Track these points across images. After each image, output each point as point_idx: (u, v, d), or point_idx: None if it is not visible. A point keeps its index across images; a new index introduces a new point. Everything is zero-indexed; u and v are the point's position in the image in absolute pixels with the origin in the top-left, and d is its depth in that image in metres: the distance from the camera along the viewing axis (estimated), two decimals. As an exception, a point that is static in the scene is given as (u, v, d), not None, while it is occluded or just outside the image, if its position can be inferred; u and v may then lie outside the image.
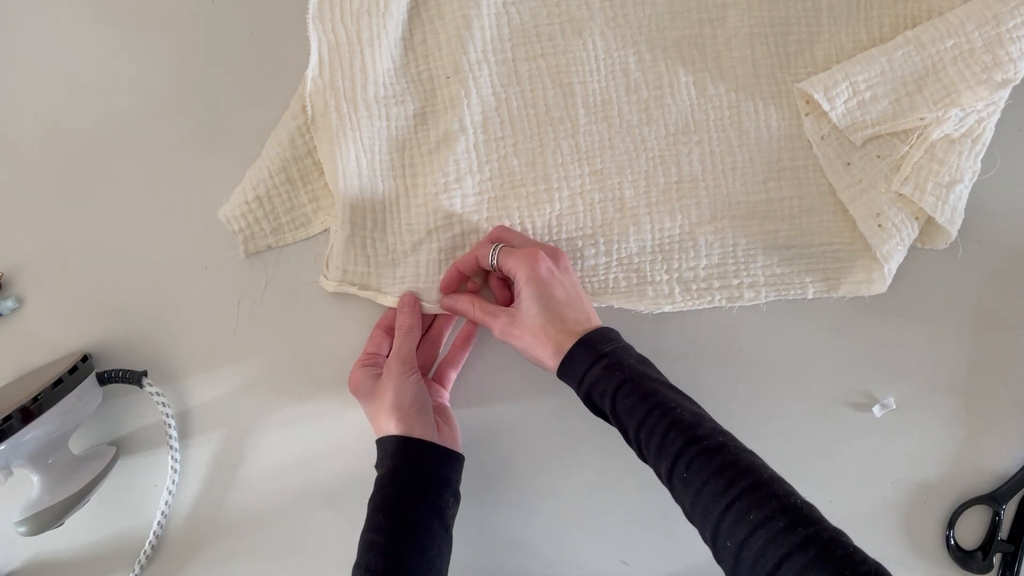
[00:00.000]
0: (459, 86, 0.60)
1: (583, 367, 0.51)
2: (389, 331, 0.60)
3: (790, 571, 0.39)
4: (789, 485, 0.44)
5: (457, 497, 0.55)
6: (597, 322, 0.54)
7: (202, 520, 0.62)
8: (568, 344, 0.52)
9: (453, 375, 0.61)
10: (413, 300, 0.60)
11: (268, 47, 0.62)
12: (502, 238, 0.58)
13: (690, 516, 0.46)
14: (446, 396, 0.61)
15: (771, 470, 0.45)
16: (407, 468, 0.53)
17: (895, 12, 0.62)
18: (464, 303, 0.58)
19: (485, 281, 0.61)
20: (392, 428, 0.54)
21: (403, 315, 0.59)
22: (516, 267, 0.54)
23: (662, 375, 0.52)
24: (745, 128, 0.62)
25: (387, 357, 0.60)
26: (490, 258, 0.56)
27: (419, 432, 0.54)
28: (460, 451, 0.56)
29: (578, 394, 0.53)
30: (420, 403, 0.55)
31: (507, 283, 0.58)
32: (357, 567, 0.51)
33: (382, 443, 0.54)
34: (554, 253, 0.56)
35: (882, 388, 0.63)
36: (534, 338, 0.53)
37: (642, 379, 0.50)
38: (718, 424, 0.48)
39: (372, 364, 0.58)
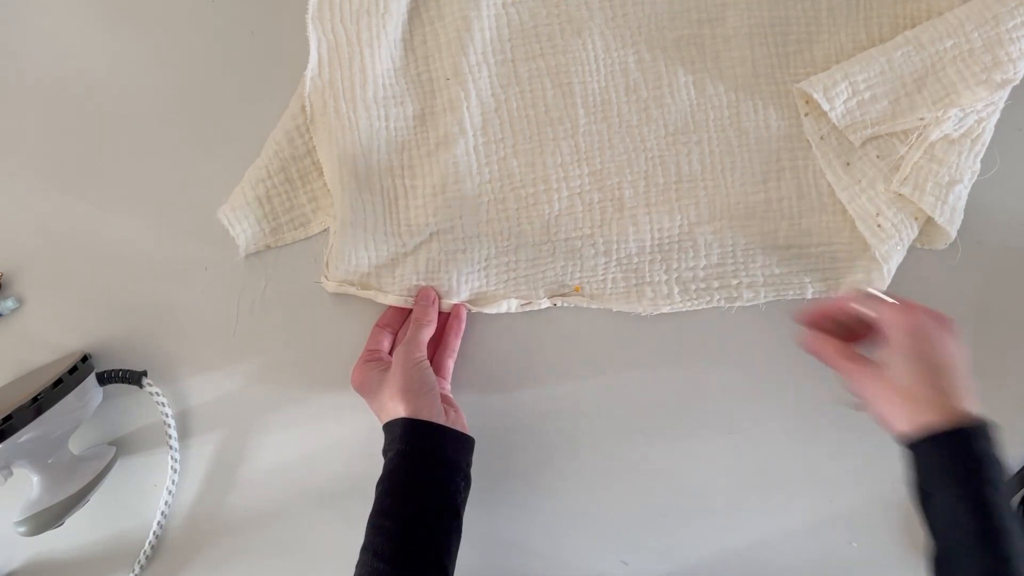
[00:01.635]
0: (459, 88, 0.60)
1: (946, 461, 0.45)
2: (389, 329, 0.60)
3: None
4: None
5: (468, 481, 0.54)
6: (972, 403, 0.46)
7: (202, 520, 0.62)
8: (933, 419, 0.45)
9: (451, 363, 0.61)
10: (432, 295, 0.60)
11: (268, 47, 0.62)
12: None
13: None
14: (447, 387, 0.61)
15: None
16: (415, 450, 0.52)
17: (894, 12, 0.62)
18: (828, 349, 0.52)
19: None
20: (400, 411, 0.53)
21: (420, 308, 0.59)
22: (894, 317, 0.48)
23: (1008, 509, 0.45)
24: (744, 128, 0.62)
25: (389, 354, 0.60)
26: (858, 299, 0.51)
27: (427, 415, 0.53)
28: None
29: (915, 473, 0.47)
30: (428, 386, 0.55)
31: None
32: (364, 550, 0.50)
33: (390, 426, 0.54)
34: (940, 319, 0.49)
35: (882, 388, 0.63)
36: (893, 397, 0.47)
37: (1007, 523, 0.43)
38: None
39: (375, 359, 0.59)
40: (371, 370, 0.57)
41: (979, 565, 0.42)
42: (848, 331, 0.53)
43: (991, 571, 0.42)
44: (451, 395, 0.60)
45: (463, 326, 0.61)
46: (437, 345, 0.61)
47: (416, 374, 0.55)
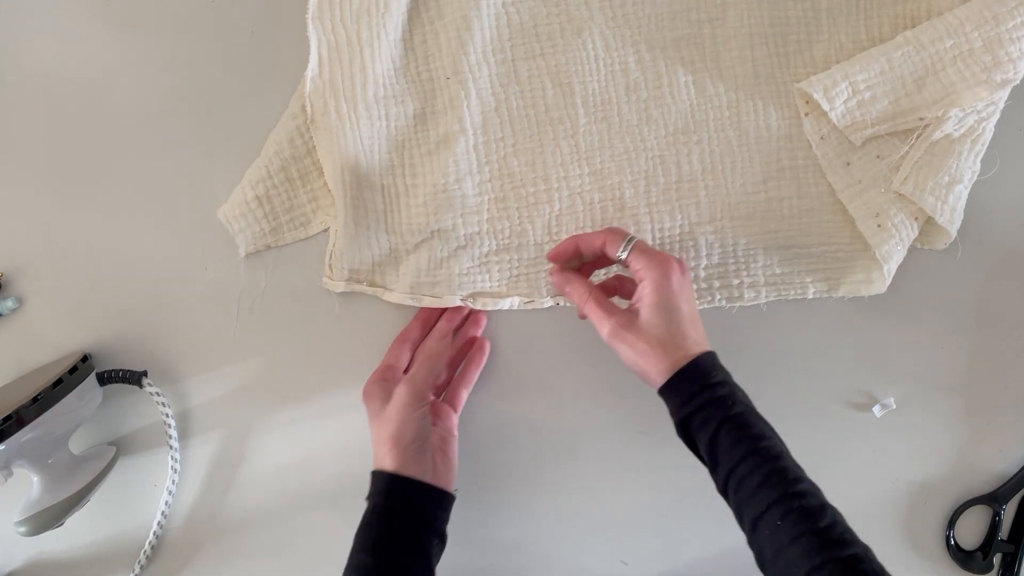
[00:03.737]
0: (459, 87, 0.60)
1: (692, 389, 0.49)
2: (410, 343, 0.60)
3: None
4: (880, 564, 0.44)
5: (443, 539, 0.54)
6: (708, 346, 0.52)
7: (202, 520, 0.62)
8: (683, 363, 0.50)
9: (465, 394, 0.61)
10: (449, 328, 0.59)
11: (268, 47, 0.62)
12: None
13: (763, 564, 0.46)
14: (455, 421, 0.60)
15: (863, 545, 0.45)
16: (394, 508, 0.52)
17: (894, 12, 0.62)
18: (579, 288, 0.55)
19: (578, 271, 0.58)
20: (387, 462, 0.53)
21: (433, 340, 0.58)
22: (648, 269, 0.51)
23: (763, 418, 0.51)
24: (745, 128, 0.62)
25: (407, 370, 0.59)
26: (620, 249, 0.53)
27: (412, 470, 0.53)
28: (453, 489, 0.56)
29: (674, 415, 0.51)
30: (420, 441, 0.54)
31: (615, 287, 0.58)
32: None
33: (375, 476, 0.54)
34: (684, 267, 0.53)
35: (882, 388, 0.63)
36: (650, 348, 0.50)
37: (751, 416, 0.49)
38: (816, 485, 0.48)
39: (388, 379, 0.57)
40: (378, 392, 0.56)
41: (759, 472, 0.47)
42: (590, 263, 0.58)
43: (761, 450, 0.47)
44: (455, 433, 0.59)
45: (485, 359, 0.61)
46: (456, 363, 0.61)
47: (411, 426, 0.54)
